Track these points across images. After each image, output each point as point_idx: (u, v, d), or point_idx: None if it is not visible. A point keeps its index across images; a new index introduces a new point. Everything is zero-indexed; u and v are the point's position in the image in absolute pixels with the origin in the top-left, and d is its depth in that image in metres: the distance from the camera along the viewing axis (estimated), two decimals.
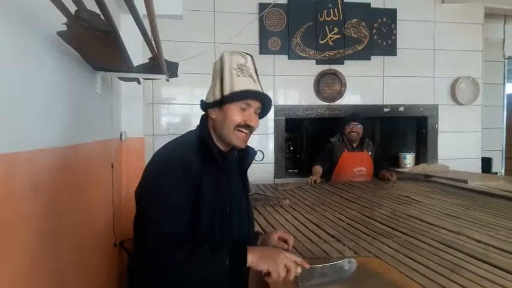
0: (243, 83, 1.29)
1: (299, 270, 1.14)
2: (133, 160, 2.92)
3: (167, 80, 2.31)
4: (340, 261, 1.23)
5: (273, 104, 3.99)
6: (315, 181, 3.36)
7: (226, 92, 1.28)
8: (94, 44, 1.60)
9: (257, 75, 1.35)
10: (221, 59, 1.32)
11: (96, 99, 2.15)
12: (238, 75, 1.29)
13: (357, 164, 3.62)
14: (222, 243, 1.22)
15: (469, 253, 1.48)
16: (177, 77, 2.34)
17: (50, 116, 1.38)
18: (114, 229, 2.36)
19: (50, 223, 1.31)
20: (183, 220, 1.21)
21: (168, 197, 1.20)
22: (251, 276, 1.24)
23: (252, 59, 1.36)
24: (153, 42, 1.77)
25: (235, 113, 1.30)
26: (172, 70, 2.21)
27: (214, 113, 1.33)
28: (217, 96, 1.30)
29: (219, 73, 1.32)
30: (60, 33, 1.41)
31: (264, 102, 1.36)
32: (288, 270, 1.13)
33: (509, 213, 2.16)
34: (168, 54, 2.22)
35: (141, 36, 1.87)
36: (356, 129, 3.57)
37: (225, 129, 1.31)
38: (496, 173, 4.49)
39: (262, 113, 1.41)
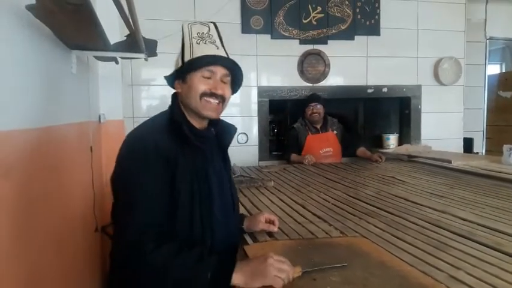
0: (202, 50, 1.25)
1: (291, 277, 1.04)
2: (114, 143, 2.80)
3: (146, 60, 2.22)
4: (331, 266, 1.12)
5: (256, 85, 3.92)
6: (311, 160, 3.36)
7: (186, 60, 1.25)
8: (67, 20, 1.51)
9: (222, 42, 1.31)
10: (181, 30, 1.29)
11: (71, 80, 2.05)
12: (198, 43, 1.25)
13: (323, 145, 3.61)
14: (212, 253, 1.14)
15: (454, 231, 1.47)
16: (156, 56, 2.25)
17: (20, 96, 1.29)
18: (94, 214, 2.29)
19: (20, 209, 1.22)
20: (162, 208, 1.16)
21: (144, 184, 1.14)
22: None
23: (216, 26, 1.32)
24: (129, 17, 1.68)
25: (199, 82, 1.26)
26: (150, 49, 2.12)
27: (179, 87, 1.31)
28: (179, 66, 1.28)
29: (181, 45, 1.29)
30: (28, 7, 1.32)
31: (231, 70, 1.31)
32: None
33: (492, 191, 2.18)
34: (146, 34, 2.13)
35: (117, 13, 1.77)
36: (316, 109, 3.57)
37: (192, 100, 1.27)
38: (477, 153, 4.55)
39: (235, 84, 1.36)
